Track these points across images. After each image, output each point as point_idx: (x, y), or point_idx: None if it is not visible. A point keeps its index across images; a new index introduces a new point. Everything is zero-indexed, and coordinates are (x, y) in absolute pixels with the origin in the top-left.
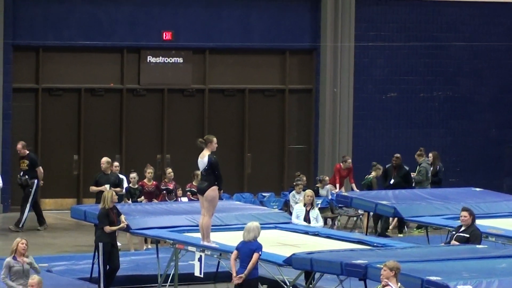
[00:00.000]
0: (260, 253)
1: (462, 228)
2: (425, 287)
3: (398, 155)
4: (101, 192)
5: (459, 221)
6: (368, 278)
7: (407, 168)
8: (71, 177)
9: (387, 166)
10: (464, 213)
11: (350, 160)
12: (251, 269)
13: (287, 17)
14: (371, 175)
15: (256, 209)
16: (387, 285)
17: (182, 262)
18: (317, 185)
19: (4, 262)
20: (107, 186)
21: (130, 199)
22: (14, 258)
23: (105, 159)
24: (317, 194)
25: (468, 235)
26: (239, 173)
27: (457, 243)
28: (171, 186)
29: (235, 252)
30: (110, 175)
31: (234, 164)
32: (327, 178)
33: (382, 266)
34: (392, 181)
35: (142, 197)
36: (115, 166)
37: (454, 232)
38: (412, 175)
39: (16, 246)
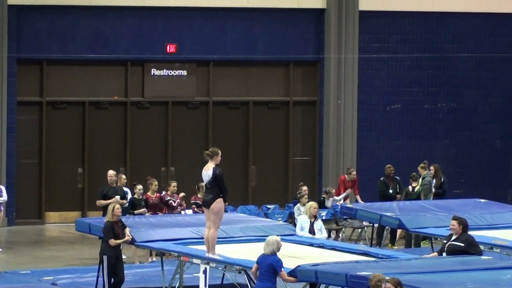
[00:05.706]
0: (282, 269)
1: (454, 237)
2: None
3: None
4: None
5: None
6: None
7: (397, 177)
8: (76, 190)
9: (382, 178)
10: (453, 222)
11: (354, 172)
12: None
13: (291, 29)
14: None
15: (260, 221)
16: None
17: (187, 275)
18: (323, 196)
19: None
20: (118, 197)
21: (133, 210)
22: None
23: (112, 172)
24: (323, 205)
25: (462, 244)
26: (244, 185)
27: (436, 254)
28: (174, 199)
29: (255, 265)
30: (117, 188)
31: (239, 176)
32: (333, 190)
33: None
34: (391, 191)
35: (145, 209)
36: (123, 179)
37: (445, 241)
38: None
39: None
